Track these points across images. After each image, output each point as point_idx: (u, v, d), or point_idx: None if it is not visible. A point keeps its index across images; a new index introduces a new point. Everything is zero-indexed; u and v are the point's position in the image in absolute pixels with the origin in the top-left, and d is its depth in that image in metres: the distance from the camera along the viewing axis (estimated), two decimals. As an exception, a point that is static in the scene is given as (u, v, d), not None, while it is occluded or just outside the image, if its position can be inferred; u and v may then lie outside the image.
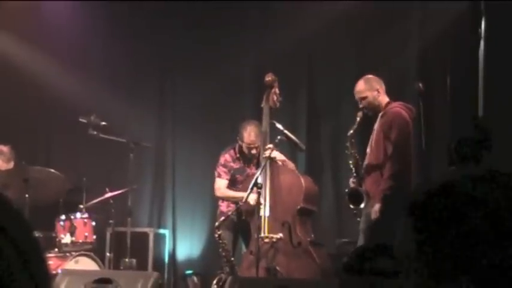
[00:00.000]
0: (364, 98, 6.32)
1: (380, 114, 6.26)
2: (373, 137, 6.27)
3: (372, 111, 6.33)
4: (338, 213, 8.26)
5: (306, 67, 8.65)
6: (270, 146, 6.56)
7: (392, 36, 8.13)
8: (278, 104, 6.72)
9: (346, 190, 6.38)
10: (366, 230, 6.10)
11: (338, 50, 8.49)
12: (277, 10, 8.66)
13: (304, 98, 8.58)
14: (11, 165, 7.19)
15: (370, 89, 6.32)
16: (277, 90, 6.72)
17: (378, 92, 6.31)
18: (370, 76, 6.45)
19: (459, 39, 7.80)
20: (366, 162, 6.32)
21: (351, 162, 6.37)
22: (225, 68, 8.65)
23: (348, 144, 6.37)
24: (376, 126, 6.28)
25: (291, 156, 7.24)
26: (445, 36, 7.89)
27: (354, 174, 6.31)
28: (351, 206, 6.28)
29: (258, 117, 6.88)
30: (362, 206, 6.20)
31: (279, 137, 6.38)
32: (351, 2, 8.15)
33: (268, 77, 6.76)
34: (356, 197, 6.25)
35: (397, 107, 6.27)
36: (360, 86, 6.38)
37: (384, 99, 6.34)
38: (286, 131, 6.37)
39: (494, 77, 7.43)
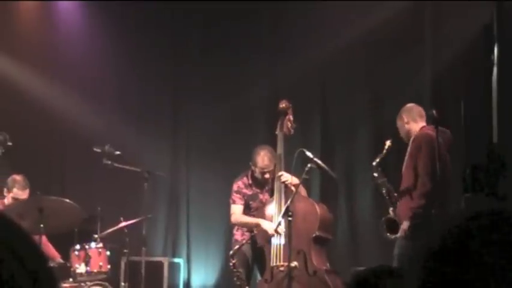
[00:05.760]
0: (398, 126, 6.61)
1: (411, 140, 6.42)
2: (405, 162, 6.44)
3: (405, 138, 6.54)
4: (353, 241, 8.21)
5: (320, 93, 8.65)
6: (283, 172, 6.56)
7: (406, 62, 8.14)
8: (292, 131, 6.72)
9: (383, 219, 6.48)
10: (398, 256, 6.18)
11: (352, 76, 8.49)
12: (290, 37, 8.69)
13: (318, 125, 8.58)
14: (26, 193, 7.19)
15: (398, 118, 6.60)
16: (291, 117, 6.71)
17: (404, 121, 6.52)
18: (407, 105, 6.64)
19: (472, 66, 7.79)
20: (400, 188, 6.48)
21: (383, 191, 6.50)
22: (239, 95, 8.67)
23: (375, 173, 6.51)
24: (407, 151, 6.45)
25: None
26: (458, 63, 7.89)
27: (391, 204, 6.43)
28: (388, 235, 6.38)
29: (272, 145, 6.87)
30: (398, 234, 6.30)
31: (309, 165, 6.33)
32: (364, 29, 8.18)
33: (283, 104, 6.76)
34: (393, 225, 6.35)
35: (425, 128, 6.44)
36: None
37: (414, 126, 6.50)
38: (316, 159, 6.35)
39: (508, 103, 7.40)
